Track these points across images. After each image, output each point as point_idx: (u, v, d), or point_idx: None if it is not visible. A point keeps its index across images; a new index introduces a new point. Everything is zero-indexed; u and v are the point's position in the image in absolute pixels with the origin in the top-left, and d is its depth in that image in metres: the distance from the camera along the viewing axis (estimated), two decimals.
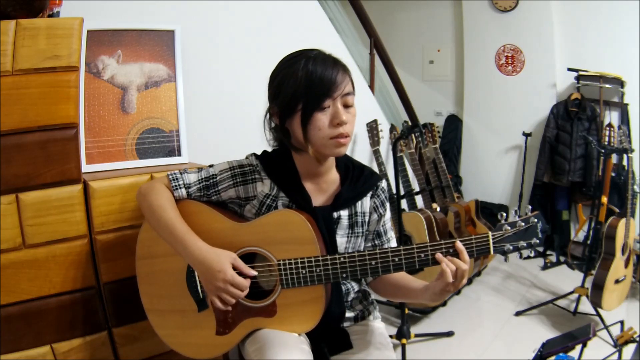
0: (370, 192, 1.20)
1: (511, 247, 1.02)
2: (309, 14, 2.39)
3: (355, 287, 1.25)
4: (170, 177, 1.17)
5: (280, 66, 1.09)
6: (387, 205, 1.24)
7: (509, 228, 1.03)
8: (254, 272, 1.07)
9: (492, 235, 1.02)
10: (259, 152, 1.20)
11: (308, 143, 1.06)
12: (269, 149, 1.21)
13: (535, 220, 1.03)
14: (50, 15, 1.33)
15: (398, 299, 1.27)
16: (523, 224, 1.03)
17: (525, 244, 1.03)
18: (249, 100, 2.01)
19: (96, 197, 1.33)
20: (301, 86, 1.02)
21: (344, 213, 1.17)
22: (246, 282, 1.06)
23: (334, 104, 1.04)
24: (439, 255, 1.01)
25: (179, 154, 1.68)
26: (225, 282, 1.04)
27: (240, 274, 1.06)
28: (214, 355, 1.16)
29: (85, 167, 1.48)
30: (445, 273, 1.00)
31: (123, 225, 1.38)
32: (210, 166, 1.19)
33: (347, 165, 1.20)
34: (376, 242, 1.25)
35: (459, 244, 1.01)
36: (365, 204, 1.20)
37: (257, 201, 1.15)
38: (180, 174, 1.18)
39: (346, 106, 1.06)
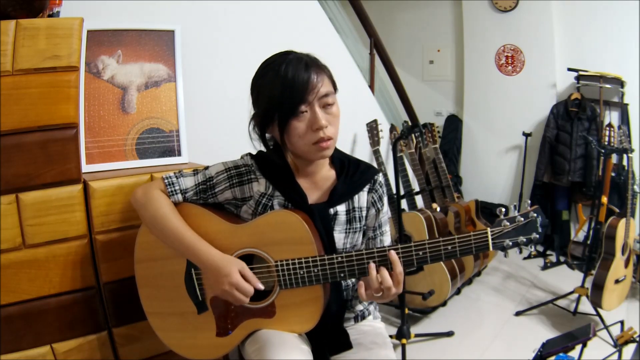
0: (368, 186, 1.19)
1: (510, 243, 1.01)
2: (309, 14, 2.39)
3: (356, 285, 1.25)
4: (166, 181, 1.16)
5: (258, 74, 1.09)
6: (385, 199, 1.23)
7: (508, 223, 1.01)
8: (260, 286, 1.07)
9: (491, 231, 1.01)
10: (252, 153, 1.20)
11: (288, 152, 1.08)
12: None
13: (535, 215, 1.01)
14: (50, 15, 1.33)
15: None
16: (522, 219, 1.01)
17: (524, 239, 1.01)
18: (249, 99, 2.01)
19: (96, 197, 1.33)
20: (275, 95, 1.01)
21: (341, 209, 1.16)
22: (250, 289, 1.06)
23: (311, 108, 1.03)
24: (370, 266, 1.02)
25: (179, 154, 1.68)
26: (230, 285, 1.05)
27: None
28: (215, 356, 1.16)
29: (85, 167, 1.48)
30: (363, 289, 1.04)
31: (123, 225, 1.38)
32: (206, 168, 1.19)
33: (342, 160, 1.19)
34: (370, 234, 1.23)
35: (392, 254, 1.02)
36: (362, 198, 1.19)
37: (254, 201, 1.15)
38: (176, 178, 1.17)
39: (326, 106, 1.05)
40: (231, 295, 1.06)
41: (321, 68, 1.06)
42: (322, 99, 1.04)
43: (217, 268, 1.06)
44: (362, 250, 1.05)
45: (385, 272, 1.02)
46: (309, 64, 1.04)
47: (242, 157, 1.19)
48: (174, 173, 1.19)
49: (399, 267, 1.02)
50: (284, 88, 1.01)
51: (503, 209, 1.04)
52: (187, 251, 1.10)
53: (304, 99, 1.01)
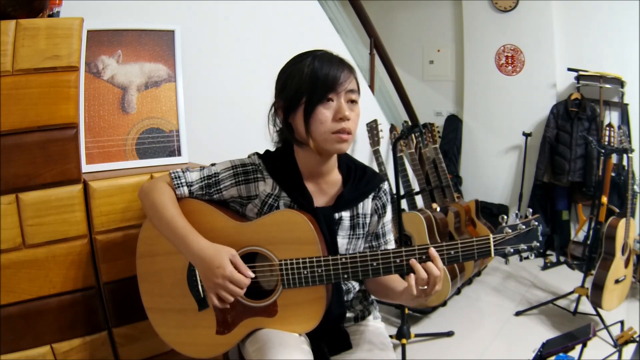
0: (372, 194, 1.20)
1: (512, 250, 1.03)
2: (309, 14, 2.39)
3: (356, 287, 1.25)
4: (173, 175, 1.17)
5: (288, 64, 1.12)
6: (389, 207, 1.23)
7: (510, 231, 1.03)
8: (251, 274, 1.07)
9: (493, 238, 1.02)
10: (260, 152, 1.20)
11: (310, 137, 1.07)
12: (270, 148, 1.21)
13: (536, 223, 1.03)
14: (50, 15, 1.33)
15: (381, 297, 1.26)
16: (524, 226, 1.03)
17: (525, 247, 1.03)
18: (249, 100, 2.01)
19: (96, 197, 1.33)
20: (306, 81, 1.04)
21: (346, 214, 1.17)
22: (245, 280, 1.05)
23: (337, 98, 1.05)
24: (413, 262, 1.02)
25: (179, 154, 1.68)
26: (224, 278, 1.03)
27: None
28: (214, 354, 1.16)
29: (85, 167, 1.48)
30: (414, 282, 1.01)
31: (123, 225, 1.38)
32: (213, 165, 1.19)
33: (349, 166, 1.20)
34: (373, 243, 1.25)
35: (432, 251, 1.02)
36: (367, 205, 1.20)
37: (259, 200, 1.15)
38: (183, 172, 1.18)
39: (351, 102, 1.08)
40: (224, 288, 1.04)
41: (352, 68, 1.11)
42: (349, 93, 1.07)
43: (209, 258, 1.05)
44: (366, 252, 1.05)
45: (430, 264, 1.01)
46: (342, 61, 1.09)
47: (249, 157, 1.20)
48: (181, 169, 1.19)
49: (439, 263, 1.02)
50: (317, 74, 1.04)
51: (505, 217, 1.06)
52: (178, 240, 1.09)
53: (333, 88, 1.05)
